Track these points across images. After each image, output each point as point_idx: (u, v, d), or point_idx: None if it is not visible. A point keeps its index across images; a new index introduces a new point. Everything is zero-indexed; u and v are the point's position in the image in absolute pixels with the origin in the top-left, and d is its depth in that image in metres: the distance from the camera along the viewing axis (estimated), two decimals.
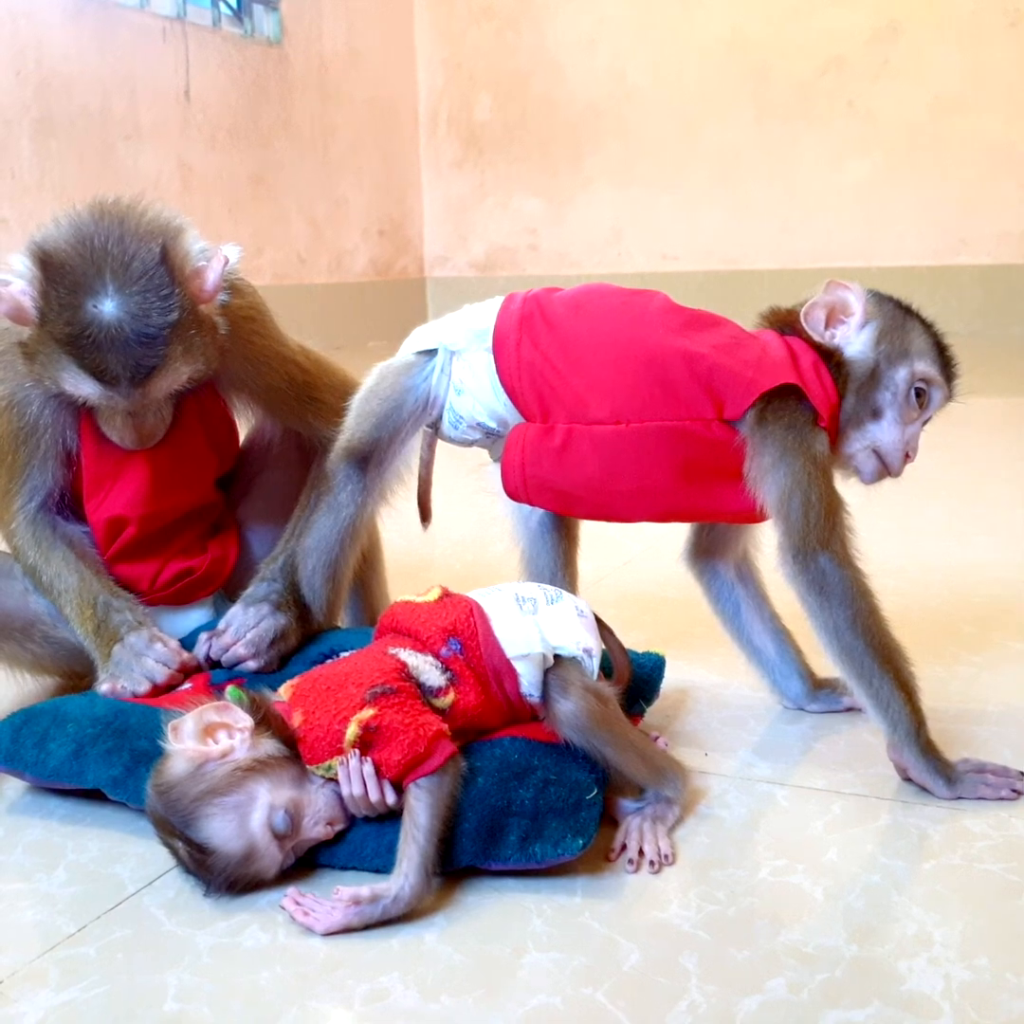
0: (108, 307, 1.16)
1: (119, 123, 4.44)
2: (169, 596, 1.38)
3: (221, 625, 1.30)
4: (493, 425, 1.27)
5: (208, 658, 1.29)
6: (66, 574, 1.32)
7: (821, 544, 1.14)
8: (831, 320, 1.23)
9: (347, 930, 0.93)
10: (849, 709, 1.33)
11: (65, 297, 1.16)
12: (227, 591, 1.41)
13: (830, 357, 1.22)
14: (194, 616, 1.40)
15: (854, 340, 1.22)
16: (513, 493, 1.26)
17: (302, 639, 1.32)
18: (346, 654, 1.13)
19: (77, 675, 1.39)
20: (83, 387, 1.19)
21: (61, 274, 1.17)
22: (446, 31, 6.16)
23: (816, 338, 1.22)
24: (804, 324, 1.22)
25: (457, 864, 0.99)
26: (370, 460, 1.29)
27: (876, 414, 1.23)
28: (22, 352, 1.21)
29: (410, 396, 1.28)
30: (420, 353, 1.29)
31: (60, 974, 0.89)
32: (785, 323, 1.25)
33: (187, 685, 1.23)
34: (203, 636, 1.30)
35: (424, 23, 6.18)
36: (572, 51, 5.92)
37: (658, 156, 5.84)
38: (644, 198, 5.90)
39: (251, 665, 1.26)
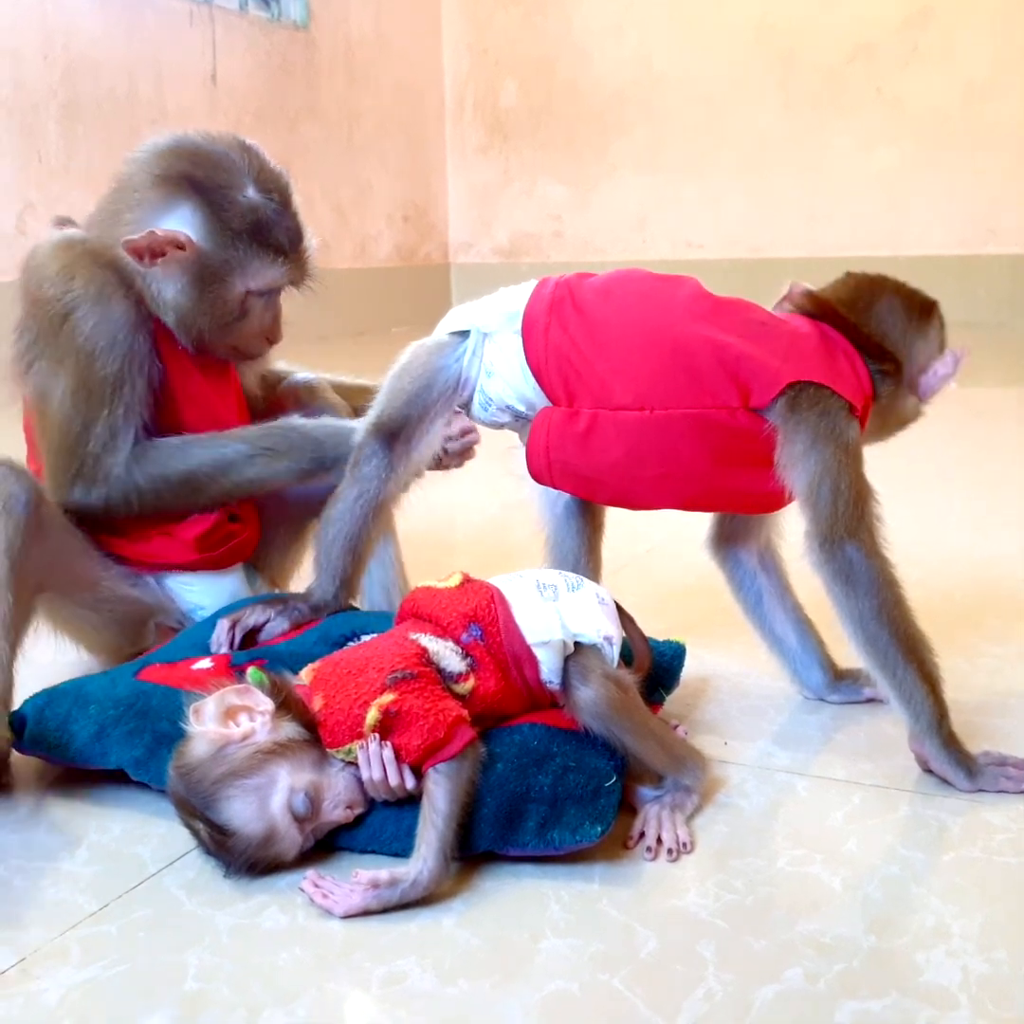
0: (251, 192, 1.28)
1: (146, 107, 4.44)
2: (210, 559, 1.40)
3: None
4: (521, 408, 1.27)
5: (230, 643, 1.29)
6: (218, 450, 1.34)
7: (848, 533, 1.13)
8: None
9: (365, 913, 0.93)
10: (870, 700, 1.32)
11: (226, 195, 1.26)
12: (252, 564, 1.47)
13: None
14: (228, 581, 1.43)
15: None
16: (538, 476, 1.26)
17: (312, 601, 1.32)
18: (367, 638, 1.14)
19: (118, 648, 1.39)
20: (269, 271, 1.30)
21: (208, 182, 1.26)
22: (473, 16, 6.13)
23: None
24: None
25: (475, 849, 1.00)
26: (398, 437, 1.29)
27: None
28: (201, 274, 1.27)
29: (441, 376, 1.28)
30: (454, 334, 1.28)
31: (82, 952, 0.90)
32: (822, 310, 1.25)
33: (209, 664, 1.23)
34: (224, 623, 1.31)
35: (451, 7, 6.16)
36: (598, 37, 5.89)
37: (684, 143, 5.80)
38: (669, 185, 5.87)
39: (249, 621, 1.27)
